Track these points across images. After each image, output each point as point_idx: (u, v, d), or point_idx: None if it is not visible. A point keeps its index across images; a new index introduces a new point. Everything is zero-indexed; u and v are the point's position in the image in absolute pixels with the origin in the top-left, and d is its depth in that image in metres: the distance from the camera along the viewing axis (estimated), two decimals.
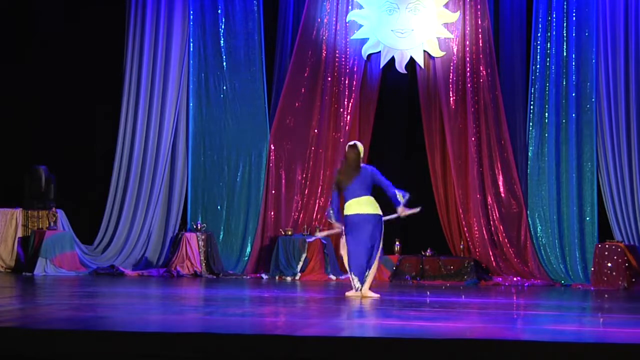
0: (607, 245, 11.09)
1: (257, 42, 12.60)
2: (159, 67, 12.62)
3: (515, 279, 11.56)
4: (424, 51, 12.43)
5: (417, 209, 8.63)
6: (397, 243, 11.97)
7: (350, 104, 12.50)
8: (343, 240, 8.55)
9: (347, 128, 12.44)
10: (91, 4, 12.70)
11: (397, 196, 8.51)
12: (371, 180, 8.54)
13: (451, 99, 12.32)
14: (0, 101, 12.56)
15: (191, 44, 12.65)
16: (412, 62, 12.45)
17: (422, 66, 12.41)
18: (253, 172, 12.59)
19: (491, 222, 12.15)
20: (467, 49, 12.33)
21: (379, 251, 8.51)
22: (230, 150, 12.63)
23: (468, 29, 12.36)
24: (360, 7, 12.59)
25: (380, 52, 12.51)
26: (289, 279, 11.62)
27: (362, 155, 8.68)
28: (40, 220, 11.99)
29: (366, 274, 8.39)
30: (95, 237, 12.44)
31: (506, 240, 12.05)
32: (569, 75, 12.06)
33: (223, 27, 12.67)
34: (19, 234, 11.93)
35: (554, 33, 12.12)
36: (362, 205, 8.44)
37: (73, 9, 12.75)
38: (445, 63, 12.39)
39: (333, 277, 11.68)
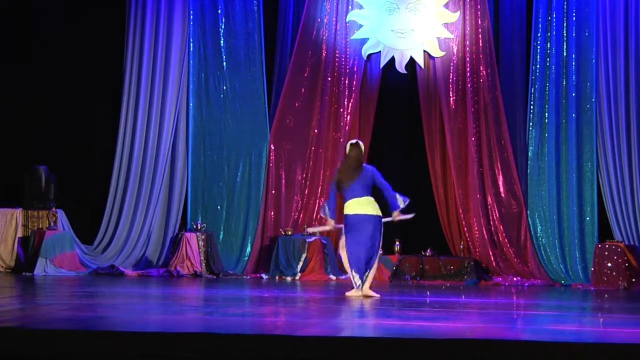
0: (607, 245, 11.09)
1: (257, 42, 12.60)
2: (159, 67, 12.62)
3: (515, 279, 11.56)
4: (424, 51, 12.43)
5: (411, 215, 8.63)
6: (397, 243, 11.98)
7: (350, 104, 12.50)
8: (342, 241, 8.55)
9: (347, 128, 12.44)
10: (91, 4, 12.70)
11: (397, 200, 8.49)
12: (372, 180, 8.53)
13: (451, 99, 12.32)
14: (0, 101, 12.56)
15: (191, 44, 12.65)
16: (412, 62, 12.46)
17: (422, 66, 12.41)
18: (253, 172, 12.59)
19: (491, 222, 12.15)
20: (467, 49, 12.33)
21: (379, 251, 8.52)
22: (230, 150, 12.63)
23: (468, 29, 12.36)
24: (360, 7, 12.59)
25: (380, 52, 12.51)
26: (289, 279, 11.62)
27: (363, 154, 8.68)
28: (40, 220, 11.99)
29: (366, 274, 8.39)
30: (95, 237, 12.45)
31: (506, 240, 12.05)
32: (569, 75, 12.06)
33: (223, 27, 12.67)
34: (19, 234, 11.93)
35: (554, 33, 12.12)
36: (362, 206, 8.43)
37: (73, 9, 12.75)
38: (445, 63, 12.39)
39: (333, 277, 11.68)
